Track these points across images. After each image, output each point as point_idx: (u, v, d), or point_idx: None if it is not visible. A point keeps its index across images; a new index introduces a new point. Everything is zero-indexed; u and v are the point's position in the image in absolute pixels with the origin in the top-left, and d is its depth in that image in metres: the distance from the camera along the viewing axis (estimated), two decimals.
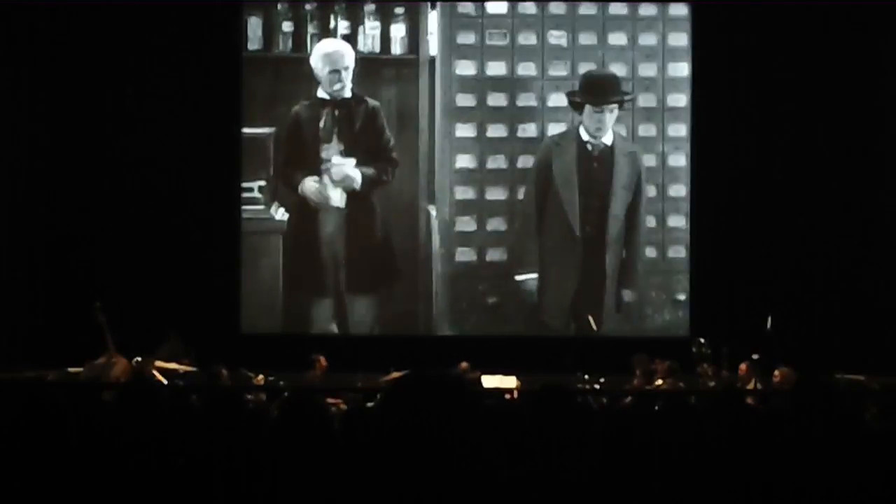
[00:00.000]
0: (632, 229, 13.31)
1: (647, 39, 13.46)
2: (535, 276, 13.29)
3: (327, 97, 13.32)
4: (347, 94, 13.33)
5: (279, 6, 13.56)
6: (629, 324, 13.34)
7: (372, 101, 13.34)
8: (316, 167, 13.33)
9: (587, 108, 13.21)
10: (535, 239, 13.32)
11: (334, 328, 13.40)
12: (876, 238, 13.14)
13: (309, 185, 13.27)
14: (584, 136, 13.28)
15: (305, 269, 13.35)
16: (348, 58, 13.30)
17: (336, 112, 13.34)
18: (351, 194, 13.32)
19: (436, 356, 11.45)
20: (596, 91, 13.23)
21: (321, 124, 13.34)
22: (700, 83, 13.31)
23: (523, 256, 13.34)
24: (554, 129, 13.37)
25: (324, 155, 13.34)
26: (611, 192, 13.29)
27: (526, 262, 13.33)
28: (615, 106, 13.21)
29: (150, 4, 13.04)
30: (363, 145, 13.33)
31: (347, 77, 13.29)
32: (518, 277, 13.31)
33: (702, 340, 11.43)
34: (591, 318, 12.85)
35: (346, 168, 13.28)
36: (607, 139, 13.29)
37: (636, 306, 13.36)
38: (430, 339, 13.16)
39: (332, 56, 13.30)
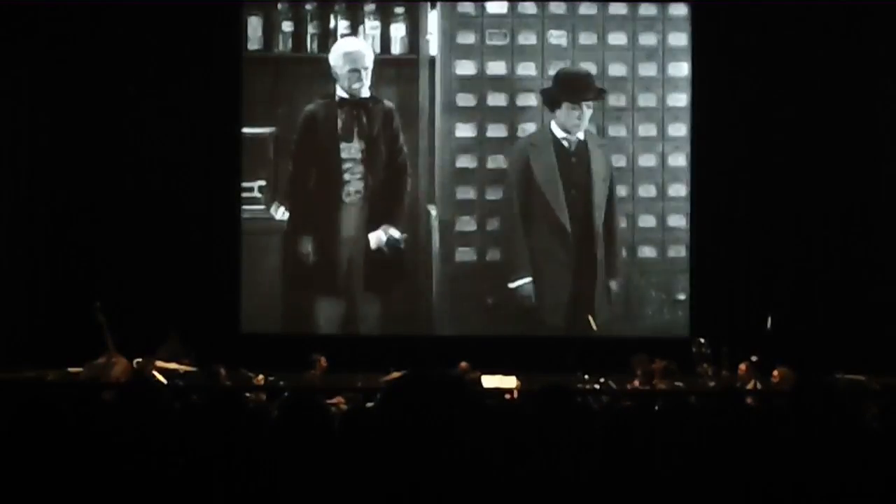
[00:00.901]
0: (610, 220, 13.32)
1: (647, 39, 13.46)
2: (529, 279, 13.29)
3: (346, 96, 13.32)
4: (366, 93, 13.33)
5: (279, 6, 13.56)
6: (624, 316, 13.34)
7: (388, 103, 13.34)
8: (334, 166, 13.31)
9: (564, 105, 13.24)
10: (524, 242, 13.32)
11: (339, 328, 13.38)
12: (876, 238, 13.14)
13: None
14: (559, 134, 13.30)
15: (314, 268, 13.32)
16: (368, 58, 13.30)
17: (354, 111, 13.34)
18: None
19: (436, 356, 11.45)
20: (572, 88, 13.25)
21: (339, 123, 13.33)
22: (700, 83, 13.31)
23: (513, 261, 13.35)
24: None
25: (344, 155, 13.34)
26: (591, 185, 13.32)
27: (517, 266, 13.33)
28: (591, 103, 13.25)
29: (150, 4, 13.04)
30: (380, 147, 13.33)
31: (367, 77, 13.28)
32: (512, 285, 13.31)
33: (702, 340, 11.43)
34: (590, 318, 12.85)
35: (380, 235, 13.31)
36: (580, 134, 13.31)
37: (626, 297, 13.35)
38: (430, 339, 13.15)
39: (354, 55, 13.29)
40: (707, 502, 4.37)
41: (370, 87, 13.31)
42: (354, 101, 13.32)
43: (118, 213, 13.15)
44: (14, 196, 13.26)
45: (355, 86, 13.29)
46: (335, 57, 13.31)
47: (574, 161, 13.34)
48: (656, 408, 5.61)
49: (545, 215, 13.30)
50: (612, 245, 13.35)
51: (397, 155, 13.35)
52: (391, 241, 13.31)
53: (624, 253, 13.39)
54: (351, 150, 13.36)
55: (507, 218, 13.39)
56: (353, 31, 13.47)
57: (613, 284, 13.36)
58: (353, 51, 13.33)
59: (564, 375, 10.57)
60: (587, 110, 13.26)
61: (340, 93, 13.31)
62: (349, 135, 13.35)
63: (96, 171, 13.18)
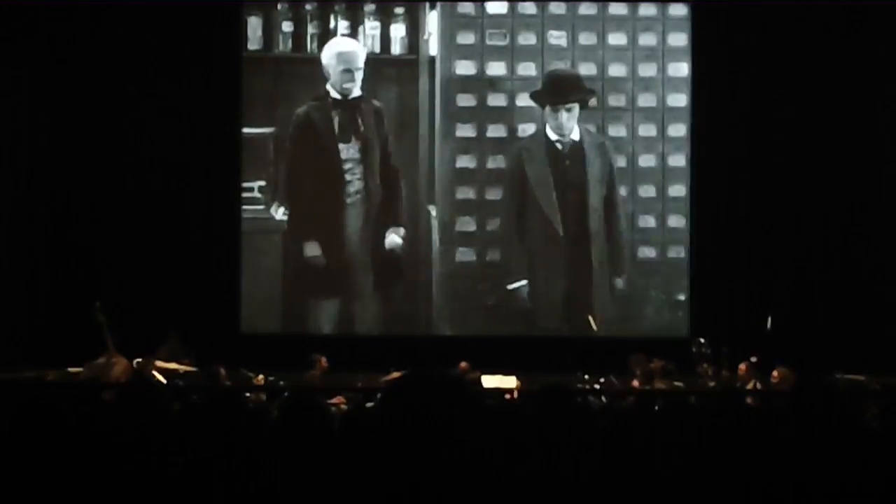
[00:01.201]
0: (611, 220, 13.32)
1: (647, 39, 13.46)
2: (525, 282, 13.30)
3: (338, 97, 13.31)
4: (357, 93, 13.33)
5: (279, 6, 13.56)
6: (625, 316, 13.32)
7: (376, 102, 13.35)
8: (335, 167, 13.30)
9: (547, 108, 13.25)
10: (521, 245, 13.32)
11: (339, 328, 13.38)
12: (876, 238, 13.13)
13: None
14: (552, 136, 13.30)
15: (315, 268, 13.30)
16: (361, 58, 13.31)
17: (349, 112, 13.34)
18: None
19: (436, 356, 11.45)
20: (553, 91, 13.26)
21: (336, 124, 13.33)
22: (700, 83, 13.30)
23: (511, 263, 13.35)
24: (545, 126, 13.37)
25: (343, 156, 13.34)
26: (586, 186, 13.32)
27: (515, 268, 13.33)
28: (574, 105, 13.23)
29: (150, 4, 13.04)
30: (375, 146, 13.33)
31: (359, 77, 13.29)
32: (510, 287, 13.32)
33: (702, 340, 11.43)
34: (591, 318, 12.84)
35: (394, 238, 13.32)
36: (574, 136, 13.31)
37: (630, 295, 13.35)
38: (430, 339, 13.15)
39: (347, 56, 13.29)
40: (707, 502, 4.37)
41: (360, 87, 13.32)
42: (347, 102, 13.32)
43: (118, 213, 13.15)
44: (14, 196, 13.26)
45: (347, 86, 13.29)
46: (328, 57, 13.31)
47: (568, 163, 13.33)
48: (656, 408, 5.62)
49: (538, 219, 13.31)
50: (616, 243, 13.33)
51: (391, 154, 13.36)
52: (398, 246, 13.35)
53: (626, 252, 13.39)
54: (350, 151, 13.36)
55: (507, 219, 13.40)
56: (353, 31, 13.47)
57: (619, 282, 13.35)
58: (347, 51, 13.32)
59: (564, 375, 10.57)
60: (566, 112, 13.23)
61: (333, 93, 13.30)
62: (347, 135, 13.35)
63: (96, 171, 13.18)
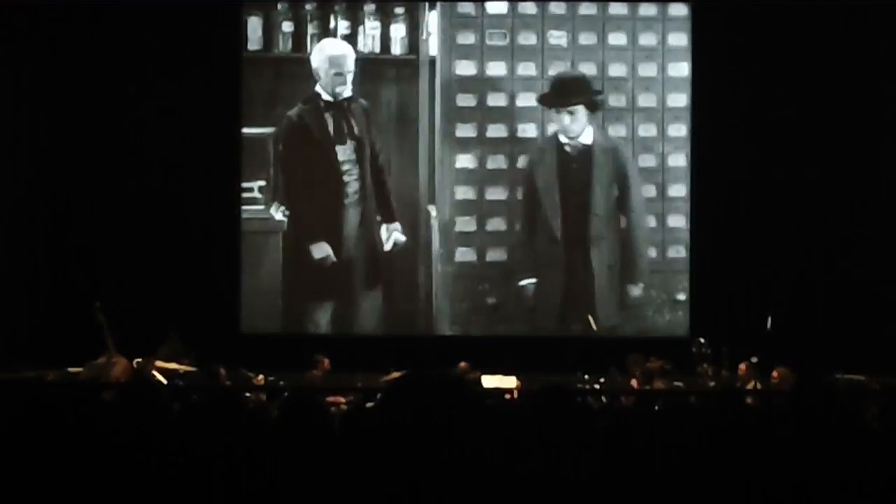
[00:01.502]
0: (626, 224, 13.31)
1: (647, 39, 13.46)
2: (533, 280, 13.32)
3: (330, 99, 13.32)
4: (347, 94, 13.35)
5: (279, 6, 13.56)
6: (636, 320, 13.32)
7: (364, 101, 13.38)
8: (333, 168, 13.30)
9: (552, 110, 13.25)
10: (529, 245, 13.34)
11: (339, 328, 13.39)
12: (876, 238, 13.13)
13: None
14: (563, 139, 13.30)
15: (315, 269, 13.30)
16: (351, 60, 13.33)
17: (342, 113, 13.34)
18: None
19: (436, 356, 11.45)
20: (557, 93, 13.26)
21: (330, 126, 13.33)
22: (700, 83, 13.30)
23: (516, 262, 13.36)
24: (553, 129, 13.36)
25: (341, 157, 13.34)
26: (591, 190, 13.31)
27: (517, 268, 13.34)
28: (578, 108, 13.22)
29: (150, 4, 13.04)
30: (367, 146, 13.35)
31: (349, 79, 13.31)
32: (522, 283, 13.33)
33: (702, 340, 11.43)
34: (590, 318, 12.84)
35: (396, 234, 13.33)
36: (585, 139, 13.30)
37: (642, 302, 13.34)
38: (430, 339, 13.16)
39: (338, 59, 13.30)
40: (707, 502, 4.37)
41: (350, 88, 13.33)
42: (339, 103, 13.32)
43: (118, 214, 13.15)
44: (14, 196, 13.26)
45: (338, 88, 13.30)
46: (319, 60, 13.31)
47: (575, 167, 13.33)
48: (656, 408, 5.62)
49: (542, 220, 13.32)
50: (631, 249, 13.31)
51: (378, 152, 13.39)
52: (402, 242, 13.37)
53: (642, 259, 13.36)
54: (346, 153, 13.37)
55: (517, 219, 13.39)
56: (353, 31, 13.47)
57: (634, 290, 13.31)
58: (338, 55, 13.32)
59: (564, 375, 10.58)
60: (568, 115, 13.22)
61: (324, 95, 13.30)
62: (342, 137, 13.36)
63: (96, 171, 13.18)
